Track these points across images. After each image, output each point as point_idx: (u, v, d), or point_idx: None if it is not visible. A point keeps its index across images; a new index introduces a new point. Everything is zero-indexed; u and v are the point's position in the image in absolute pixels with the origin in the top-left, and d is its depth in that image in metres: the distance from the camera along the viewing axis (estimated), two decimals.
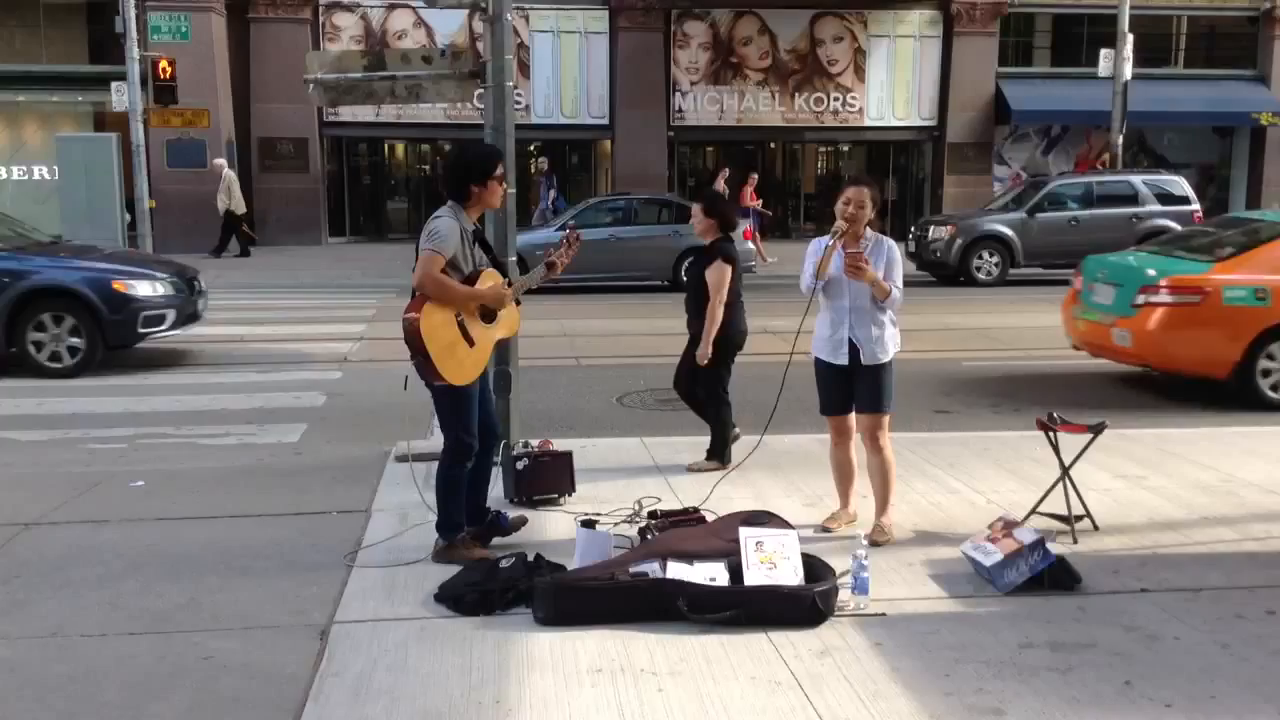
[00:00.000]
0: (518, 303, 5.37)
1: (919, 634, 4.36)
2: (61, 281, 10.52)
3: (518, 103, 6.38)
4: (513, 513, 5.67)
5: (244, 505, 6.22)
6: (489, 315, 5.16)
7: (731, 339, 6.79)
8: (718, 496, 5.91)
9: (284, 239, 24.36)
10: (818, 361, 5.57)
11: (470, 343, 5.06)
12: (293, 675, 4.06)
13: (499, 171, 5.20)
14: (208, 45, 23.10)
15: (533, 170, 25.78)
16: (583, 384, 10.20)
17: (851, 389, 5.48)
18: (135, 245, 19.85)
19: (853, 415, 5.56)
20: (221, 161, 22.01)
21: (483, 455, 5.35)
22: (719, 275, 6.63)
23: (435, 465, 6.34)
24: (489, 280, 5.19)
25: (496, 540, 5.40)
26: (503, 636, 4.35)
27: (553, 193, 24.80)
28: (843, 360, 5.44)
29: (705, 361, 6.70)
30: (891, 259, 5.39)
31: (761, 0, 25.80)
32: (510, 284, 5.29)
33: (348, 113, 23.89)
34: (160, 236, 20.98)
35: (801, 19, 26.04)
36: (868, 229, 5.40)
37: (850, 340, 5.41)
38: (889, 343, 5.44)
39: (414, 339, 4.93)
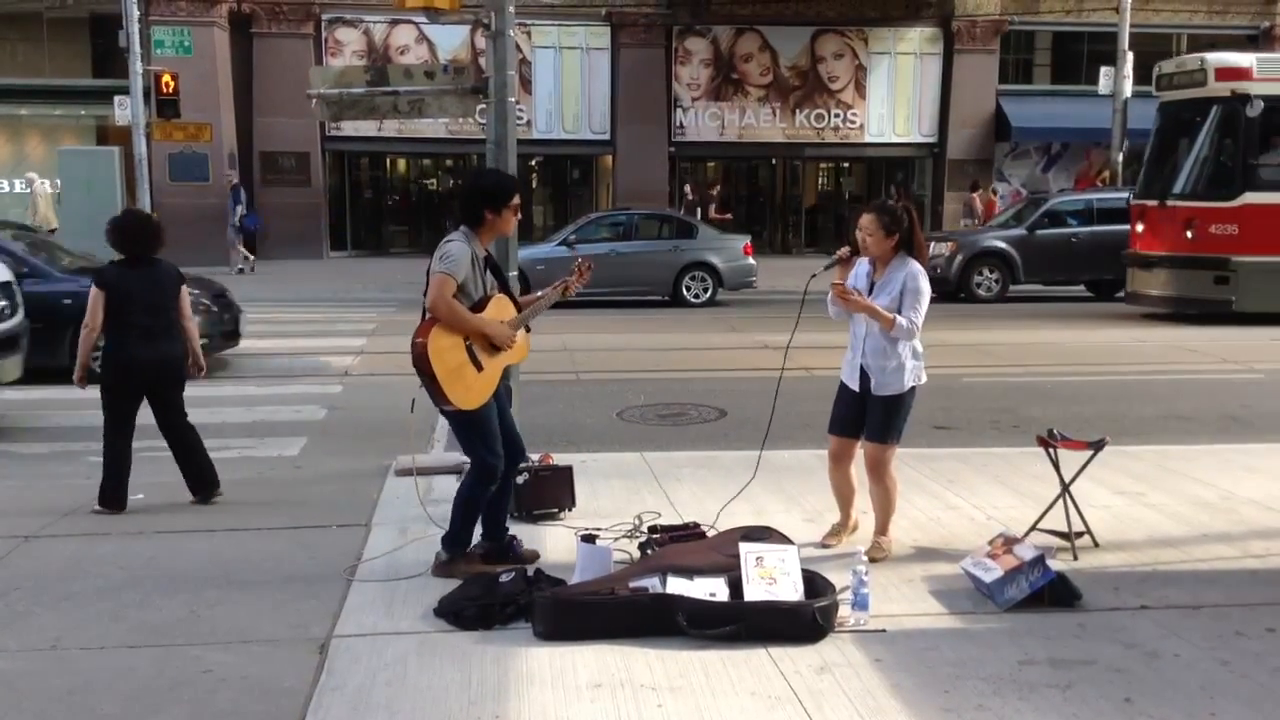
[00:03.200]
0: (528, 329, 5.37)
1: (919, 650, 4.35)
2: None
3: (519, 118, 6.42)
4: (515, 529, 5.66)
5: (243, 519, 6.22)
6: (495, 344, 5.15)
7: (116, 370, 6.30)
8: (717, 512, 5.91)
9: (285, 252, 24.41)
10: (841, 382, 5.56)
11: (479, 367, 5.06)
12: (291, 689, 4.06)
13: (515, 201, 5.21)
14: (211, 59, 23.18)
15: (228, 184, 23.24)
16: (582, 399, 10.20)
17: (862, 416, 5.46)
18: None
19: (854, 442, 5.54)
20: (33, 175, 21.01)
21: (507, 471, 5.34)
22: (89, 302, 6.21)
23: (435, 479, 6.37)
24: (500, 306, 5.19)
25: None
26: (502, 651, 4.35)
27: (240, 208, 22.84)
28: (856, 386, 5.44)
29: (78, 384, 6.34)
30: (909, 288, 5.24)
31: (762, 17, 25.91)
32: (519, 312, 5.28)
33: (350, 127, 23.98)
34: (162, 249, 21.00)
35: (802, 36, 26.16)
36: (900, 253, 5.32)
37: (862, 368, 5.40)
38: (904, 375, 5.34)
39: (421, 362, 4.94)
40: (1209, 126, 15.32)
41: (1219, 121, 15.20)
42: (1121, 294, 17.19)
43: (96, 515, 6.29)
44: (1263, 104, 14.58)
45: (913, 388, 5.41)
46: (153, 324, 6.32)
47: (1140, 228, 16.37)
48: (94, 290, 6.26)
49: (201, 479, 6.54)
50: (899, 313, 5.23)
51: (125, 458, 6.41)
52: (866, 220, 5.31)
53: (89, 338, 6.28)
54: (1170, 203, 15.51)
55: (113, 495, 6.38)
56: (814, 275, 5.42)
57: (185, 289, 6.54)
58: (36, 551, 5.69)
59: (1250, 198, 14.83)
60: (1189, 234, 15.09)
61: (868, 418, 5.43)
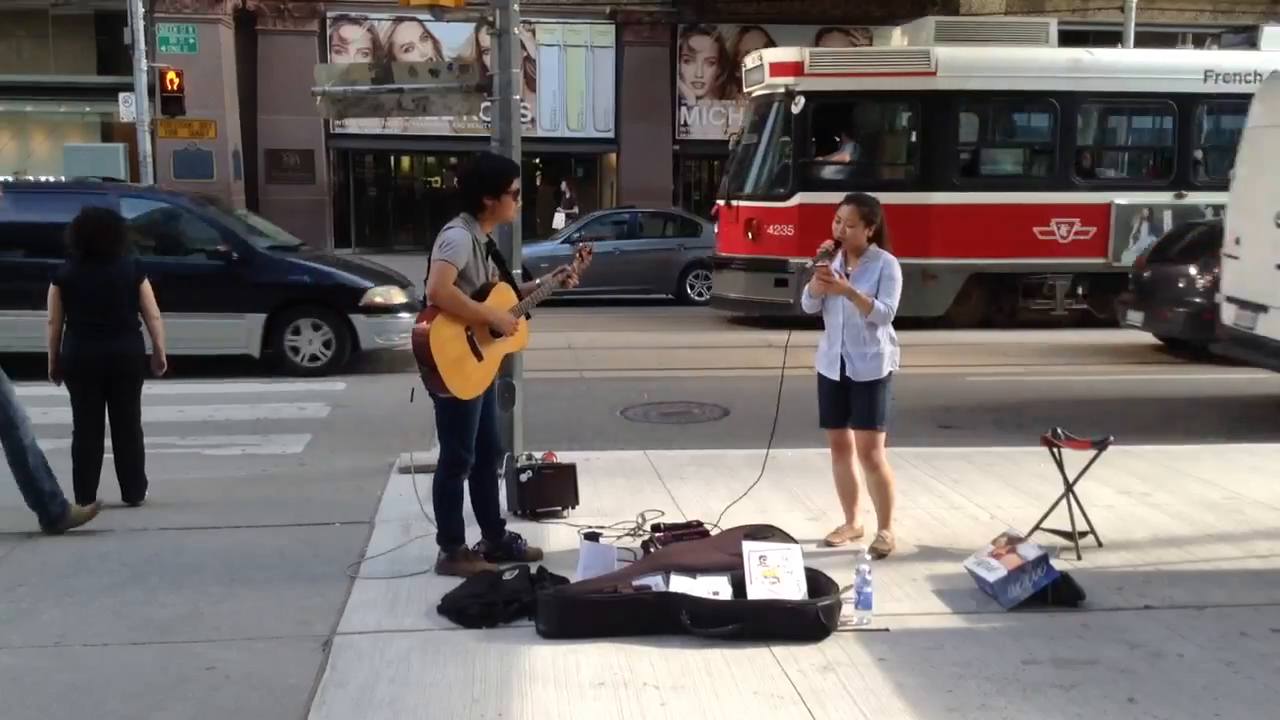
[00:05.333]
0: (528, 316, 5.38)
1: (922, 649, 4.35)
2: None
3: (524, 116, 6.42)
4: (518, 527, 5.66)
5: (247, 516, 6.22)
6: (498, 330, 5.17)
7: (68, 365, 6.35)
8: (721, 510, 5.91)
9: None
10: (818, 375, 5.60)
11: (479, 357, 5.07)
12: (295, 686, 4.06)
13: (514, 186, 5.19)
14: (215, 57, 23.19)
15: None
16: (586, 396, 10.20)
17: (848, 404, 5.49)
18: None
19: (849, 431, 5.56)
20: None
21: (484, 467, 5.34)
22: (48, 298, 6.32)
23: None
24: (501, 294, 5.19)
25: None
26: (505, 649, 4.35)
27: None
28: (836, 375, 5.48)
29: (52, 380, 6.45)
30: (886, 275, 5.35)
31: (767, 15, 25.88)
32: (519, 300, 5.29)
33: (354, 125, 23.97)
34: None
35: (807, 34, 26.08)
36: (873, 245, 5.41)
37: (842, 356, 5.44)
38: (882, 360, 5.40)
39: (423, 351, 4.94)
40: (769, 124, 14.79)
41: (776, 119, 14.63)
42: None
43: (100, 511, 6.29)
44: (804, 100, 14.00)
45: (890, 372, 5.46)
46: (102, 321, 6.33)
47: (718, 228, 15.99)
48: (51, 287, 6.33)
49: (127, 485, 6.51)
50: (875, 298, 5.33)
51: (90, 449, 6.41)
52: (849, 212, 5.37)
53: (49, 332, 6.35)
54: (736, 203, 15.14)
55: (77, 487, 6.36)
56: (803, 270, 5.44)
57: (147, 285, 6.51)
58: (40, 547, 5.70)
59: (804, 198, 14.17)
60: (750, 235, 14.70)
61: (853, 406, 5.48)
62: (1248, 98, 14.87)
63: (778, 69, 14.64)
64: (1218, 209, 14.44)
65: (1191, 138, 14.99)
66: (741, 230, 14.88)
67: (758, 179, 15.13)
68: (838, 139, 15.00)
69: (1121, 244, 14.70)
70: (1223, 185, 14.95)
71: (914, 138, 14.91)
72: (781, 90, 14.41)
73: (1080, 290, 14.99)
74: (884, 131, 15.75)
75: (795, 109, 14.09)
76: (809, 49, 15.35)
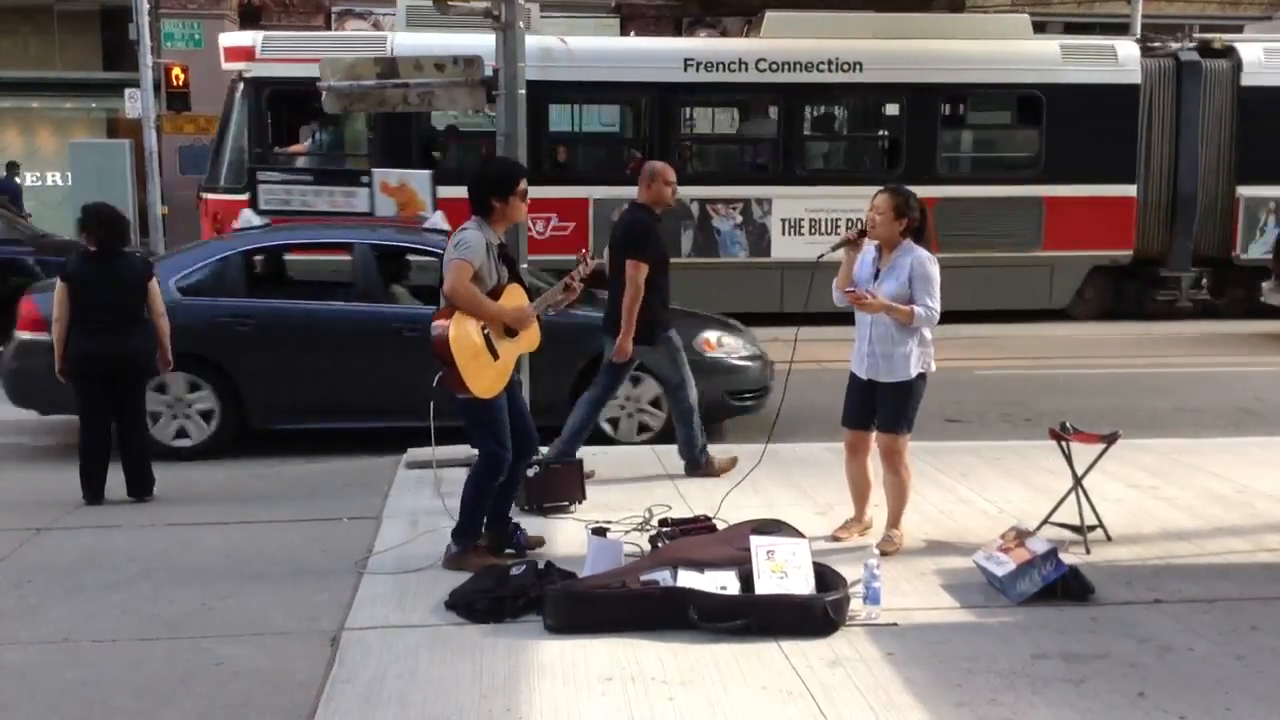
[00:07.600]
0: (539, 319, 5.37)
1: (931, 644, 4.34)
2: None
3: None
4: (525, 523, 5.65)
5: (255, 511, 6.23)
6: (511, 329, 5.16)
7: (73, 362, 6.30)
8: (728, 504, 5.89)
9: None
10: (851, 373, 5.52)
11: (494, 355, 5.06)
12: (303, 681, 4.07)
13: (521, 187, 5.19)
14: (221, 52, 23.18)
15: None
16: None
17: (873, 406, 5.43)
18: (148, 252, 19.94)
19: (869, 434, 5.50)
20: None
21: (517, 463, 5.34)
22: (55, 295, 6.34)
23: (445, 472, 6.37)
24: (514, 295, 5.19)
25: (507, 552, 5.38)
26: (513, 644, 4.34)
27: None
28: (864, 375, 5.40)
29: (59, 377, 6.41)
30: (918, 274, 5.17)
31: (772, 8, 25.78)
32: (530, 302, 5.29)
33: None
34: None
35: None
36: (906, 240, 5.24)
37: (869, 356, 5.36)
38: (910, 362, 5.29)
39: (442, 350, 4.94)
40: (234, 113, 13.65)
41: (238, 107, 13.55)
42: None
43: (107, 508, 6.30)
44: (248, 86, 13.06)
45: (921, 375, 5.36)
46: (110, 320, 6.29)
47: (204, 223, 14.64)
48: (58, 283, 6.31)
49: (134, 481, 6.48)
50: (911, 301, 5.18)
51: (95, 445, 6.41)
52: (880, 200, 5.24)
53: (57, 330, 6.32)
54: (207, 195, 13.80)
55: (84, 483, 6.38)
56: (820, 256, 5.37)
57: (154, 283, 6.48)
58: (49, 544, 5.71)
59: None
60: (217, 231, 12.79)
61: (878, 407, 5.40)
62: (729, 87, 14.56)
63: (232, 54, 13.71)
64: (703, 204, 14.23)
65: (671, 129, 14.62)
66: (210, 225, 13.41)
67: (224, 171, 13.96)
68: (301, 128, 14.37)
69: (603, 240, 14.17)
70: (705, 179, 14.59)
71: (372, 127, 14.05)
72: (236, 76, 13.50)
73: None
74: (346, 120, 14.70)
75: (239, 94, 13.38)
76: (263, 32, 14.37)
